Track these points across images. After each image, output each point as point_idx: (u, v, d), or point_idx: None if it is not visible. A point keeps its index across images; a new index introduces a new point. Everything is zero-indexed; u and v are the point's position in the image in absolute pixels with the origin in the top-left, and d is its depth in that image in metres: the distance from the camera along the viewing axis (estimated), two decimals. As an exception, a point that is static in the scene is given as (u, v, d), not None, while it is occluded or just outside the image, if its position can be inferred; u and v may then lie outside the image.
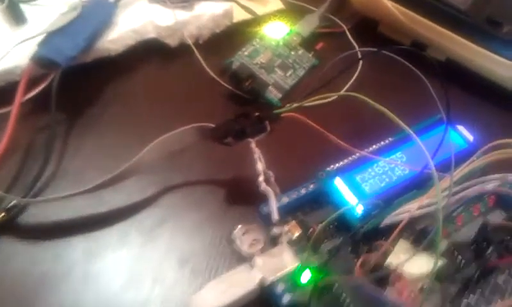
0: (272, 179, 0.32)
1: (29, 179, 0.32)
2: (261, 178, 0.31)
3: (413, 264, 0.28)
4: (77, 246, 0.31)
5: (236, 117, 0.32)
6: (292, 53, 0.42)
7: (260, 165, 0.31)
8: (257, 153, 0.31)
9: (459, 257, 0.30)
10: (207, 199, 0.33)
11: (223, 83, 0.39)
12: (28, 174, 0.33)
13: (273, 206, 0.30)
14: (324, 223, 0.30)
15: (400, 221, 0.29)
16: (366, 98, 0.28)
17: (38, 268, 0.29)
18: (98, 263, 0.30)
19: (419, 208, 0.29)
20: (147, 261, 0.30)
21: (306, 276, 0.28)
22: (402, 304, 0.27)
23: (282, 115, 0.32)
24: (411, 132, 0.26)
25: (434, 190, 0.28)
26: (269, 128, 0.32)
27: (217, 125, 0.32)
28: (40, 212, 0.31)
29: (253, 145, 0.32)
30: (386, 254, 0.29)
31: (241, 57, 0.40)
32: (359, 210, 0.30)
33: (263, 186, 0.30)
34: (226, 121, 0.32)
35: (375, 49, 0.33)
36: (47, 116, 0.34)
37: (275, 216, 0.29)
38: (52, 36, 0.36)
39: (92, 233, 0.31)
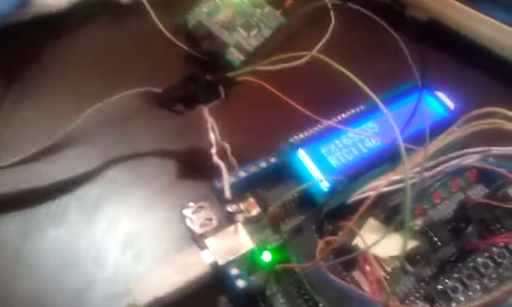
0: (229, 151, 0.29)
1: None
2: (213, 150, 0.28)
3: (383, 245, 0.25)
4: (8, 224, 0.28)
5: (184, 80, 0.28)
6: (258, 11, 0.38)
7: (213, 136, 0.28)
8: (210, 122, 0.28)
9: (435, 237, 0.28)
10: (155, 173, 0.30)
11: (178, 44, 0.35)
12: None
13: (225, 182, 0.27)
14: (283, 199, 0.27)
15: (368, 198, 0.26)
16: (328, 60, 0.25)
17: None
18: (32, 243, 0.27)
19: (387, 185, 0.26)
20: (87, 242, 0.28)
21: (264, 258, 0.26)
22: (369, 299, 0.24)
23: (239, 80, 0.29)
24: (377, 99, 0.23)
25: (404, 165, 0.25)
26: (224, 94, 0.29)
27: (164, 90, 0.29)
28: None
29: (206, 113, 0.28)
30: (351, 235, 0.26)
31: (199, 15, 0.37)
32: (324, 185, 0.27)
33: (215, 159, 0.27)
34: (173, 85, 0.28)
35: (346, 3, 0.30)
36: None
37: (227, 193, 0.26)
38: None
39: (26, 210, 0.28)
